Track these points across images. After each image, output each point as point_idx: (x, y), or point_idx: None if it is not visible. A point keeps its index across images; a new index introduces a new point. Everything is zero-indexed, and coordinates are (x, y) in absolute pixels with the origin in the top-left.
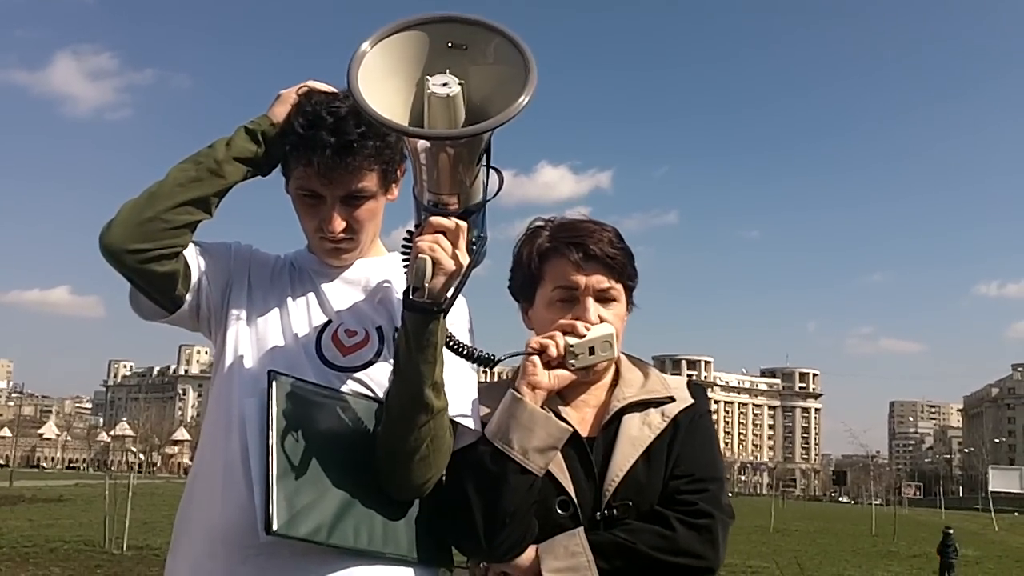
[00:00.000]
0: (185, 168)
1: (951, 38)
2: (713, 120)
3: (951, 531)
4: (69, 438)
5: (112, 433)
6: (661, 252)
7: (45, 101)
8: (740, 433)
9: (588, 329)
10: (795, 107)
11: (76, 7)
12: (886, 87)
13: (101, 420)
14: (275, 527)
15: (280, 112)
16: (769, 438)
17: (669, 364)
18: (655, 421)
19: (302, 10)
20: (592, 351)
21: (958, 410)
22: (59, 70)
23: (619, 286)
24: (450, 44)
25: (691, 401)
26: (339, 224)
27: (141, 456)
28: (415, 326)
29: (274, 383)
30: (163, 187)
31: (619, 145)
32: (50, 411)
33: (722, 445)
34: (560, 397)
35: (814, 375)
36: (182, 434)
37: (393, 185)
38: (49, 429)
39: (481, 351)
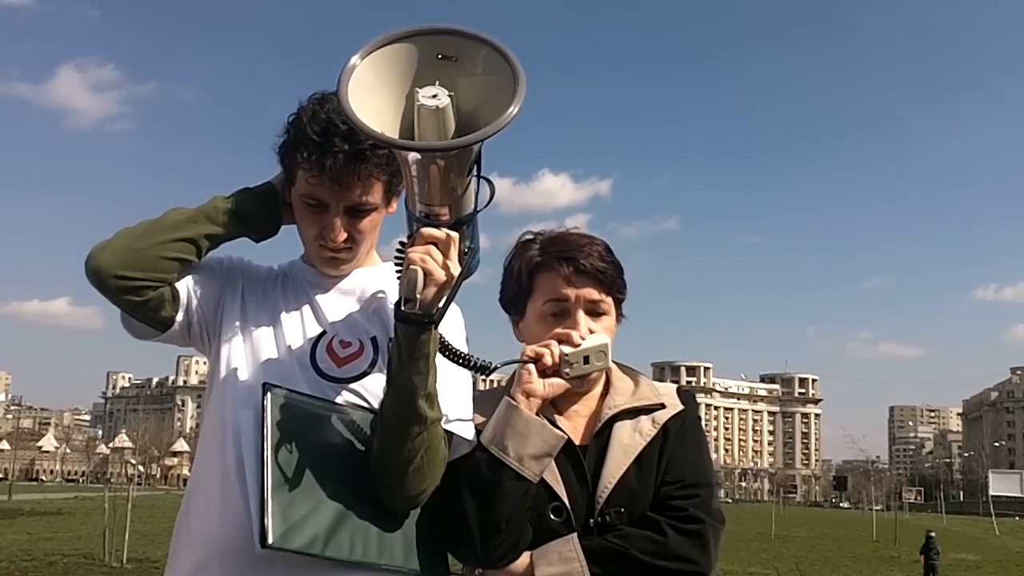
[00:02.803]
0: (182, 211)
1: (948, 41)
2: (713, 126)
3: (933, 534)
4: (68, 450)
5: (111, 445)
6: (661, 258)
7: (48, 114)
8: (740, 439)
9: (583, 339)
10: (795, 111)
11: (79, 20)
12: (884, 92)
13: (100, 432)
14: (270, 540)
15: (281, 179)
16: (769, 444)
17: (668, 370)
18: (646, 428)
19: (306, 22)
20: (587, 360)
21: (958, 414)
22: (62, 83)
23: (609, 299)
24: (440, 56)
25: (681, 407)
26: (341, 234)
27: (140, 468)
28: (407, 338)
29: (268, 395)
30: (160, 222)
31: (621, 151)
32: (49, 423)
33: (722, 451)
34: (552, 406)
35: (813, 380)
36: (181, 445)
37: (394, 198)
38: (48, 442)
39: (478, 358)
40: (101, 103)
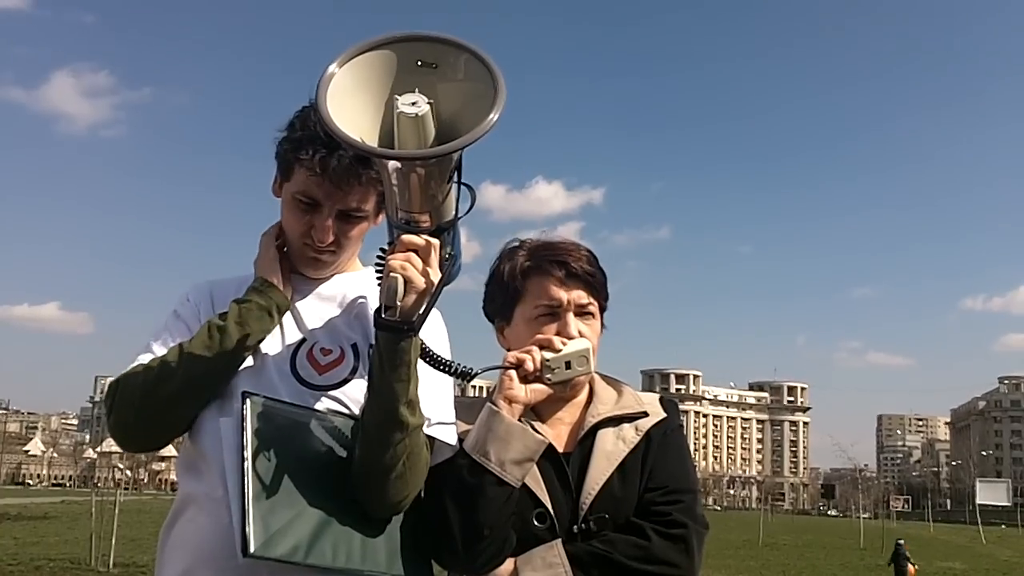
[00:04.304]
0: (199, 358)
1: (938, 54)
2: (706, 135)
3: (902, 542)
4: (55, 455)
5: (98, 449)
6: (652, 267)
7: (41, 119)
8: (729, 447)
9: (565, 344)
10: (788, 122)
11: (74, 25)
12: (874, 103)
13: (87, 436)
14: (252, 549)
15: (269, 265)
16: (758, 452)
17: (658, 378)
18: (629, 436)
19: (301, 29)
20: (568, 366)
21: (945, 423)
22: (56, 88)
23: (595, 304)
24: (419, 63)
25: (663, 415)
26: (329, 236)
27: (128, 472)
28: (387, 345)
29: (248, 403)
30: (188, 384)
31: (614, 160)
32: (36, 427)
33: (711, 459)
34: (536, 414)
35: (802, 389)
36: (169, 450)
37: (382, 211)
38: (35, 446)
39: (459, 364)
40: (95, 109)
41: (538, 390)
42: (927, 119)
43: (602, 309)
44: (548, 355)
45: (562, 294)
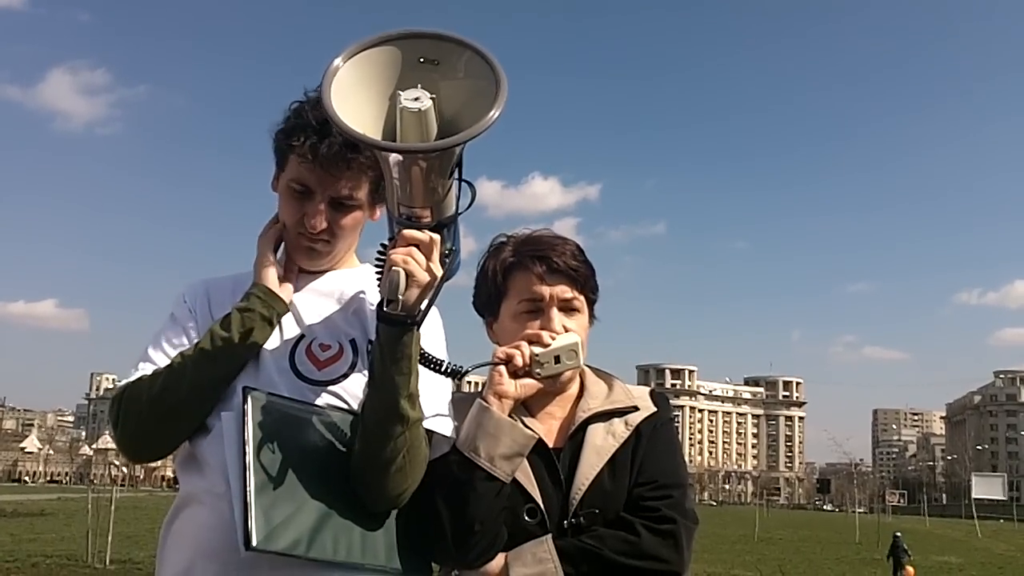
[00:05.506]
0: (203, 366)
1: (932, 49)
2: (702, 132)
3: (899, 534)
4: (51, 452)
5: (94, 446)
6: (648, 262)
7: (37, 116)
8: (724, 442)
9: (553, 339)
10: (783, 118)
11: (70, 23)
12: (869, 99)
13: (83, 433)
14: (254, 542)
15: (269, 271)
16: (753, 447)
17: (653, 373)
18: (619, 430)
19: (298, 27)
20: (558, 360)
21: (941, 417)
22: (52, 86)
23: (582, 297)
24: (422, 59)
25: (654, 409)
26: (322, 222)
27: (124, 469)
28: (389, 338)
29: (249, 398)
30: (183, 394)
31: (610, 156)
32: (32, 424)
33: (706, 454)
34: (526, 409)
35: (798, 383)
36: None
37: (379, 205)
38: (31, 443)
39: (449, 363)
40: (91, 106)
41: (528, 385)
42: (922, 115)
43: (590, 302)
44: (537, 350)
45: (544, 289)
